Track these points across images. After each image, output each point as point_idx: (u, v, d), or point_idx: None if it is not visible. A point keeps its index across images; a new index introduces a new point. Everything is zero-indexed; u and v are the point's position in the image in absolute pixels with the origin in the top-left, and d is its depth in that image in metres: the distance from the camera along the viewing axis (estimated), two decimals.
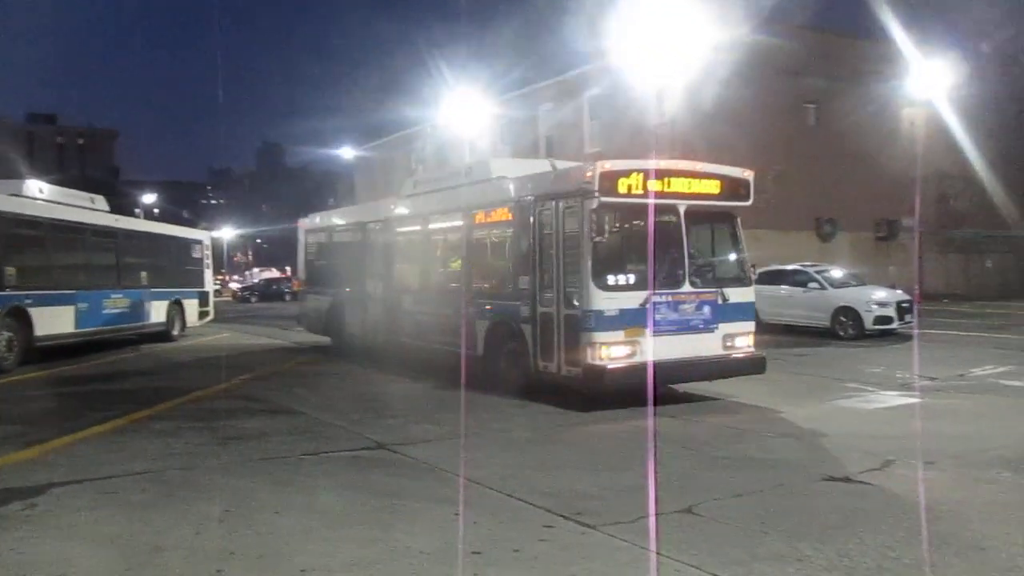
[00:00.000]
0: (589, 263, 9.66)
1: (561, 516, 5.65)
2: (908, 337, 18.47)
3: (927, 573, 4.58)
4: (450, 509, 5.76)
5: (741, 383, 11.02)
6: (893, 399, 10.93)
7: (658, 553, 4.86)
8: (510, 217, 11.35)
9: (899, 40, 27.08)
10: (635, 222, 10.31)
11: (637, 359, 9.69)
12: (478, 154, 33.14)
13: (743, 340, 10.62)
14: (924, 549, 4.89)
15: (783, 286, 20.43)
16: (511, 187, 11.50)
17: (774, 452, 7.77)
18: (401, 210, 15.13)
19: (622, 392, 9.75)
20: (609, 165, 9.88)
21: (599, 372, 9.58)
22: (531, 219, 10.68)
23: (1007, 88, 33.99)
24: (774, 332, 19.72)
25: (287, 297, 47.09)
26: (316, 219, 19.47)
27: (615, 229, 10.43)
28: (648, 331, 9.74)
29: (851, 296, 19.26)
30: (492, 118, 33.19)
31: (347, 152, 52.62)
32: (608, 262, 9.90)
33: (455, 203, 12.93)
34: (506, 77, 35.77)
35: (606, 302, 9.61)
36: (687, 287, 10.16)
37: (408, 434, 8.62)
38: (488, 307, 11.61)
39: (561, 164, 11.96)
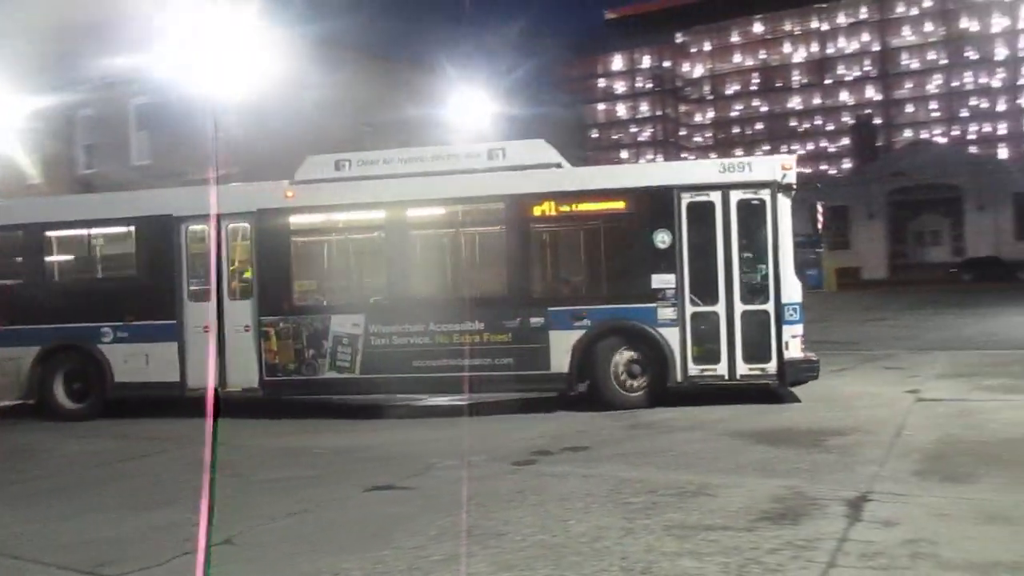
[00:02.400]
0: (790, 256, 9.74)
1: (78, 572, 4.98)
2: None
3: (451, 566, 4.85)
4: None
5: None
6: (442, 405, 11.61)
7: None
8: (619, 210, 10.37)
9: (446, 69, 29.43)
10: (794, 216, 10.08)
11: (808, 352, 9.95)
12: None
13: None
14: (451, 544, 5.19)
15: None
16: (630, 174, 11.29)
17: (321, 468, 7.78)
18: (325, 200, 11.09)
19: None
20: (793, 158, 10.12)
21: (800, 365, 9.63)
22: (674, 211, 9.95)
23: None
24: None
25: None
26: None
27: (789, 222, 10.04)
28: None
29: None
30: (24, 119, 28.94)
31: None
32: (793, 255, 9.90)
33: (481, 190, 10.73)
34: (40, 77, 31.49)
35: (798, 294, 9.76)
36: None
37: None
38: (582, 315, 10.15)
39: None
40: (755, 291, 9.90)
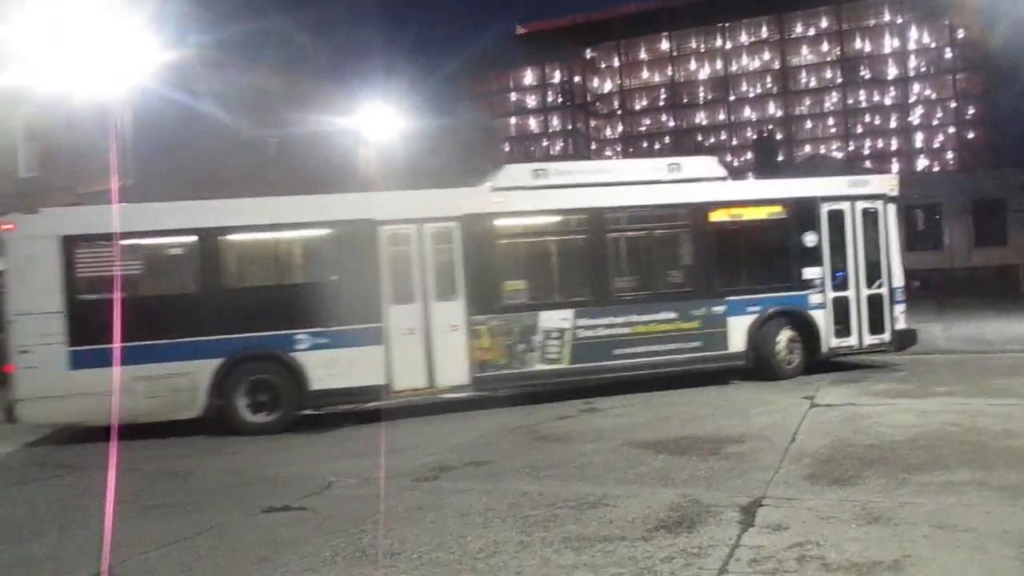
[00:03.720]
0: (897, 249, 12.74)
1: None
2: None
3: None
4: None
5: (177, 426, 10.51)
6: (340, 422, 11.33)
7: None
8: (778, 216, 12.68)
9: (355, 84, 29.13)
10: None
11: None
12: None
13: None
14: (344, 565, 5.05)
15: None
16: (789, 189, 13.36)
17: (216, 491, 7.50)
18: (524, 205, 11.87)
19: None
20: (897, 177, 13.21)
21: (905, 335, 12.69)
22: (821, 217, 12.50)
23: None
24: None
25: None
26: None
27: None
28: None
29: None
30: None
31: None
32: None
33: (666, 199, 12.36)
34: None
35: (902, 280, 12.72)
36: None
37: None
38: (751, 302, 12.25)
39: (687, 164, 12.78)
40: (873, 278, 12.63)
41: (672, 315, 12.01)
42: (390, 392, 11.05)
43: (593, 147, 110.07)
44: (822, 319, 12.40)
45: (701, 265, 12.42)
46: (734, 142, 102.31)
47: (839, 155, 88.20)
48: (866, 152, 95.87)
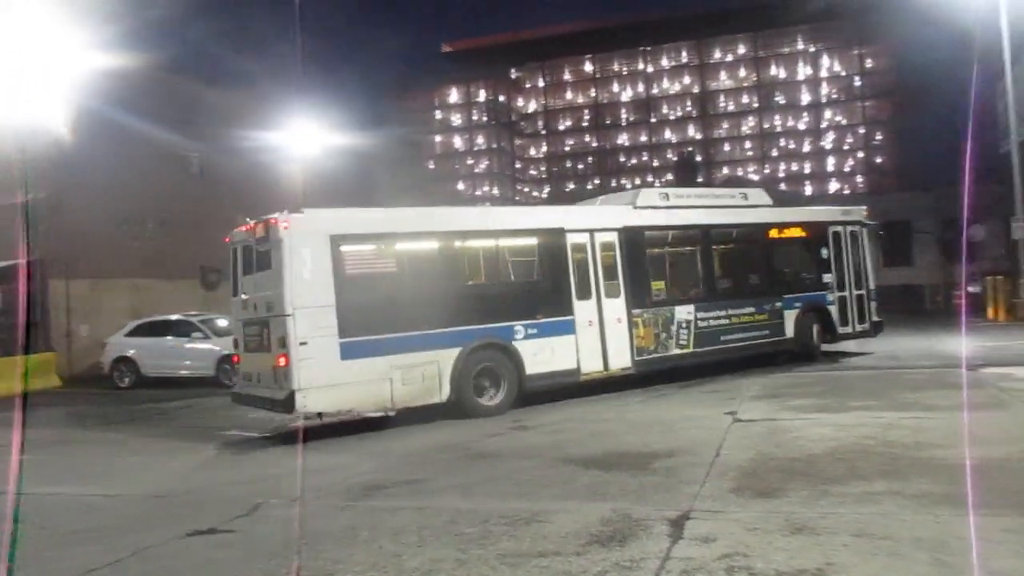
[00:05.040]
0: (872, 262, 17.22)
1: None
2: None
3: None
4: None
5: (96, 441, 10.19)
6: (269, 442, 11.21)
7: None
8: (807, 235, 16.58)
9: (281, 98, 28.75)
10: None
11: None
12: None
13: None
14: None
15: (168, 337, 19.81)
16: (814, 215, 17.67)
17: (137, 514, 7.28)
18: (661, 220, 14.82)
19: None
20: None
21: (878, 324, 17.18)
22: (831, 236, 16.64)
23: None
24: (157, 386, 18.95)
25: None
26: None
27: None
28: None
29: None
30: None
31: None
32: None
33: (745, 219, 15.95)
34: None
35: (874, 283, 17.29)
36: None
37: None
38: (797, 299, 15.98)
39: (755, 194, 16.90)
40: (858, 282, 16.85)
41: (752, 309, 15.31)
42: (579, 375, 12.89)
43: (518, 166, 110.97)
44: (835, 312, 16.41)
45: (766, 270, 16.02)
46: (656, 163, 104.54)
47: (756, 177, 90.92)
48: (781, 175, 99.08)
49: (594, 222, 13.77)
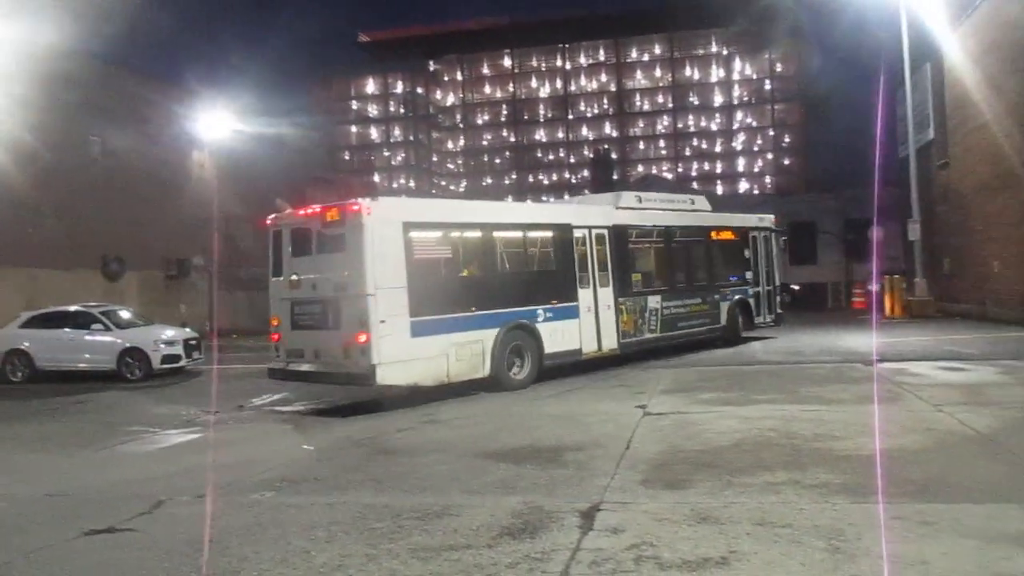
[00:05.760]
0: (779, 261, 20.18)
1: None
2: (198, 374, 18.86)
3: None
4: None
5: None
6: (174, 437, 10.88)
7: None
8: (735, 237, 19.07)
9: (192, 85, 27.88)
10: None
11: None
12: None
13: None
14: None
15: (65, 329, 18.95)
16: (739, 220, 19.85)
17: (30, 512, 6.96)
18: (637, 220, 16.83)
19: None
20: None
21: (782, 316, 20.17)
22: (751, 239, 19.29)
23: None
24: (53, 380, 18.16)
25: None
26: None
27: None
28: None
29: (138, 336, 18.75)
30: None
31: None
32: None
33: (695, 222, 18.31)
34: None
35: (779, 280, 20.23)
36: None
37: None
38: (729, 293, 18.43)
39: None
40: (768, 279, 19.63)
41: (700, 300, 17.54)
42: (581, 355, 14.48)
43: (435, 159, 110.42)
44: (754, 304, 19.05)
45: (709, 268, 18.22)
46: (572, 159, 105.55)
47: (669, 176, 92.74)
48: (694, 174, 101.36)
49: (591, 219, 15.41)
